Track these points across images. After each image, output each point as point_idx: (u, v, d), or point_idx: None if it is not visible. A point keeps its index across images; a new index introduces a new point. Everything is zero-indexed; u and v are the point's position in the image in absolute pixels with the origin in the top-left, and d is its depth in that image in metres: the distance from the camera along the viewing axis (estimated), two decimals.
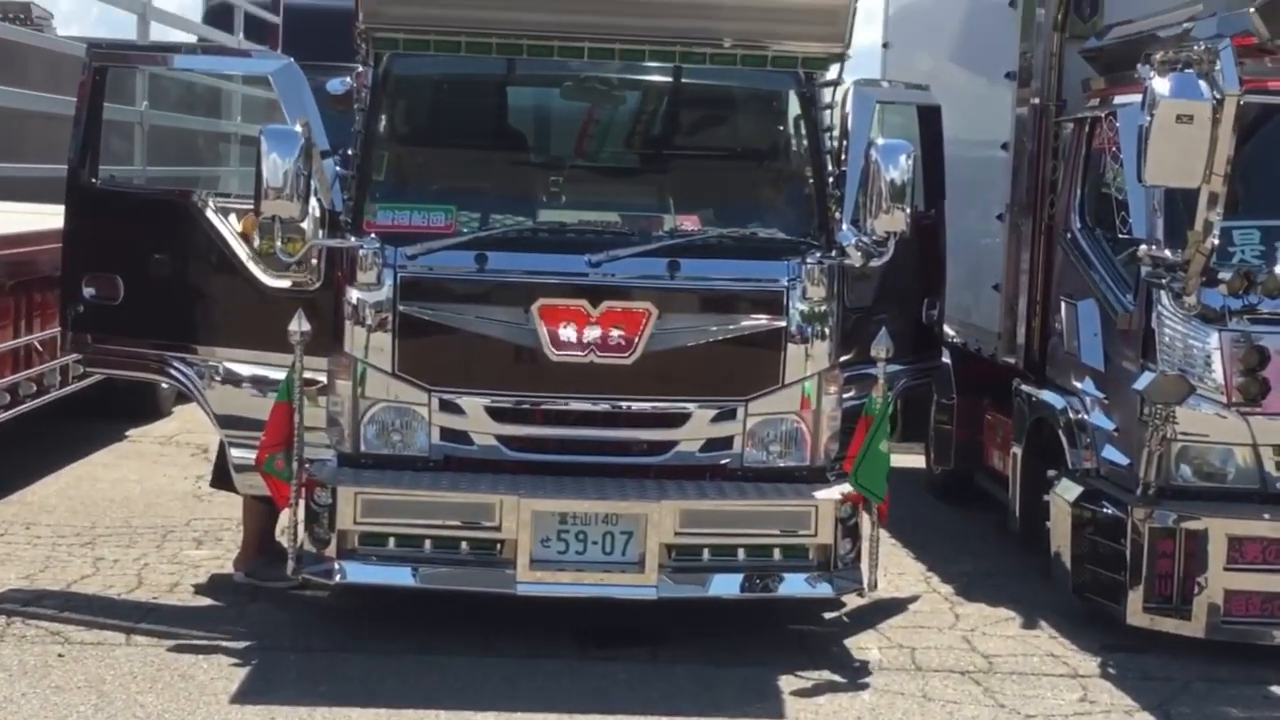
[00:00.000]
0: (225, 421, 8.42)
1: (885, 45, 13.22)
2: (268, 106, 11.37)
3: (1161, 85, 7.31)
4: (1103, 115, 8.83)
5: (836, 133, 8.39)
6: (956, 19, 11.58)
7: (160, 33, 14.52)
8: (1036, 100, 9.59)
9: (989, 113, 10.43)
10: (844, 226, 8.14)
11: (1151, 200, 8.07)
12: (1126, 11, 9.09)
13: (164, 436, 13.09)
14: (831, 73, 8.18)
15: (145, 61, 11.36)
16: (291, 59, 8.45)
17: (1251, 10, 7.67)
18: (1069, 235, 9.14)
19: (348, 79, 8.38)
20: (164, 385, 10.63)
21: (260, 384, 8.29)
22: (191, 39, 15.86)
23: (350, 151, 8.01)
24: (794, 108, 8.43)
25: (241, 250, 8.34)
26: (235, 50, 14.89)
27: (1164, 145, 7.28)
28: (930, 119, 9.44)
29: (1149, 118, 7.31)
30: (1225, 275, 7.77)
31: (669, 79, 8.45)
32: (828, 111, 8.36)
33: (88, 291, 8.44)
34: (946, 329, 10.27)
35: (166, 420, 13.69)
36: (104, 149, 9.01)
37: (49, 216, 10.17)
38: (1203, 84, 7.29)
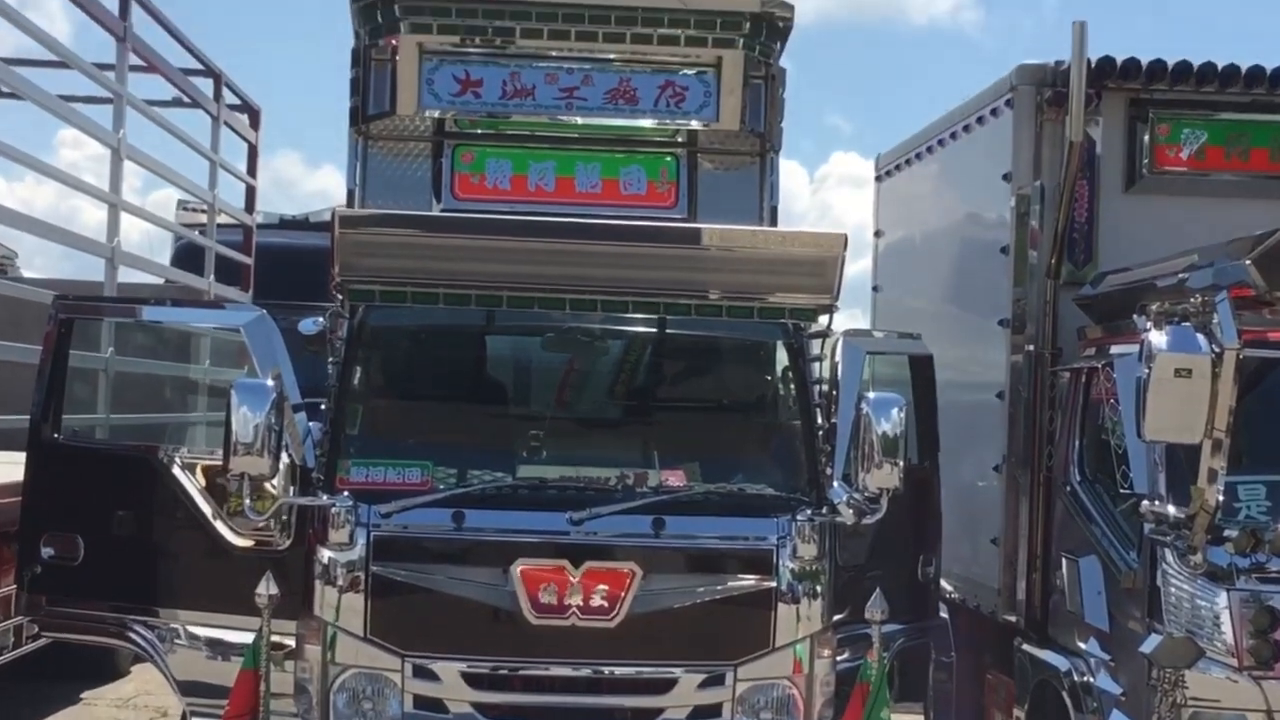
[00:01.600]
0: (187, 689, 8.09)
1: (875, 289, 13.14)
2: (237, 351, 11.14)
3: (1158, 338, 7.18)
4: (1099, 365, 8.68)
5: (826, 384, 8.21)
6: (948, 263, 11.48)
7: (127, 274, 14.34)
8: (1031, 348, 9.47)
9: (983, 360, 10.27)
10: (835, 482, 7.90)
11: (1152, 454, 7.88)
12: (1120, 258, 9.02)
13: (121, 699, 12.60)
14: (820, 323, 8.00)
15: (113, 313, 11.16)
16: (263, 311, 8.28)
17: (1248, 261, 7.55)
18: (1068, 488, 8.92)
19: (320, 319, 8.19)
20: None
21: (225, 649, 7.99)
22: (160, 281, 15.68)
23: (323, 405, 7.77)
24: (782, 359, 8.26)
25: (208, 508, 8.09)
26: (205, 301, 14.73)
27: (1162, 400, 7.13)
28: (922, 369, 9.24)
29: (1146, 371, 7.16)
30: (1231, 533, 7.54)
31: (653, 329, 8.27)
32: (817, 363, 8.18)
33: (46, 552, 8.17)
34: (944, 583, 9.93)
35: (124, 681, 13.20)
36: (67, 398, 8.76)
37: (4, 466, 9.82)
38: (1200, 337, 7.17)
